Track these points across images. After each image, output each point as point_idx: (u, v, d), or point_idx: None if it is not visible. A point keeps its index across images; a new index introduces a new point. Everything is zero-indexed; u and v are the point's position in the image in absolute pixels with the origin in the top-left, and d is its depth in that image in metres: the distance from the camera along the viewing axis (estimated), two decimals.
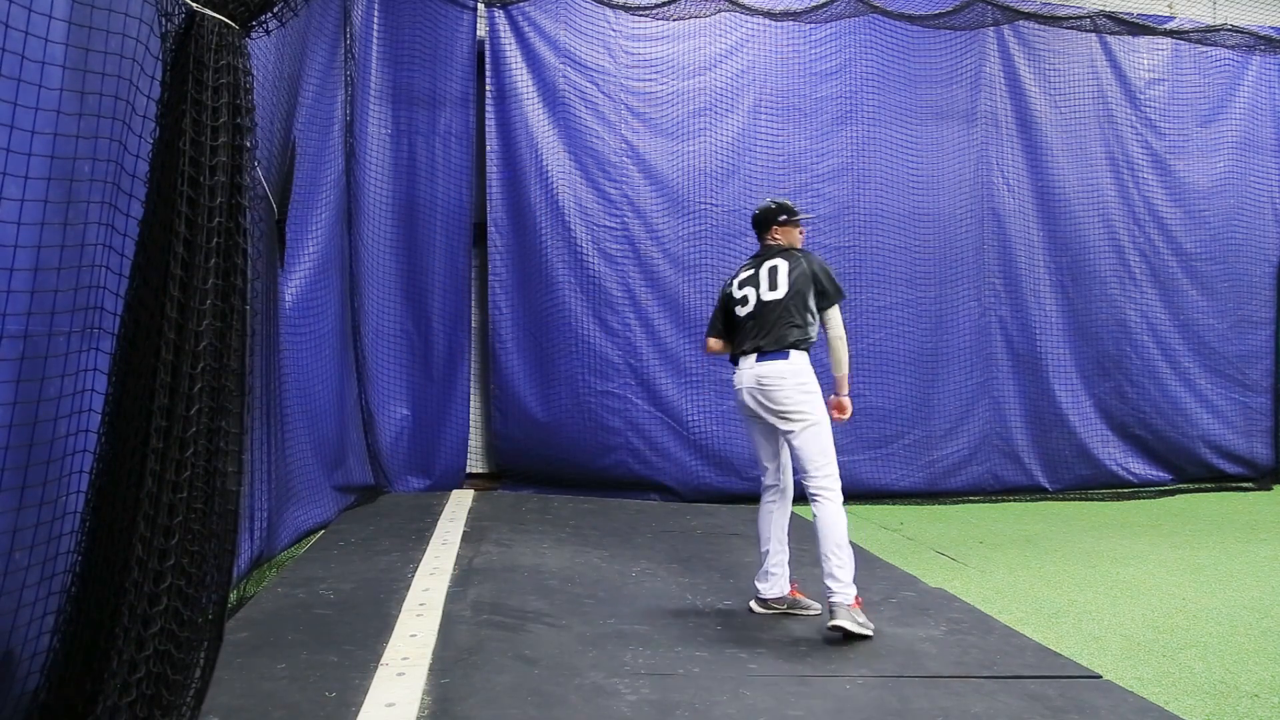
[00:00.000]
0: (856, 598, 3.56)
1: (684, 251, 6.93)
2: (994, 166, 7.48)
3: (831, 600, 3.53)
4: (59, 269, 2.18)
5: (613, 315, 6.84)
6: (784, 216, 3.99)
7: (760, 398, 3.76)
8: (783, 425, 3.72)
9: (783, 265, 3.85)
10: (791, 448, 3.75)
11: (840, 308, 3.86)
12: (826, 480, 3.65)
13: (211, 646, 2.28)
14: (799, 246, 3.99)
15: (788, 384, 3.69)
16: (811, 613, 3.83)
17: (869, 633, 3.51)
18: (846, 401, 3.90)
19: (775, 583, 3.84)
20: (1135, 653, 3.49)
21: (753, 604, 3.90)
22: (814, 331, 3.80)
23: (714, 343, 4.09)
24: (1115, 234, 7.67)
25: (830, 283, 3.83)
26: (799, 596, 3.88)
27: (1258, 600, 4.25)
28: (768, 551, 3.86)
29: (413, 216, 6.76)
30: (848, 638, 3.48)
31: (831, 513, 3.61)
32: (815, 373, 3.77)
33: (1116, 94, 7.71)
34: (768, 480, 3.94)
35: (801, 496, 3.81)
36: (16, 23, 1.98)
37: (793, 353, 3.72)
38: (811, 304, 3.80)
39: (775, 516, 3.88)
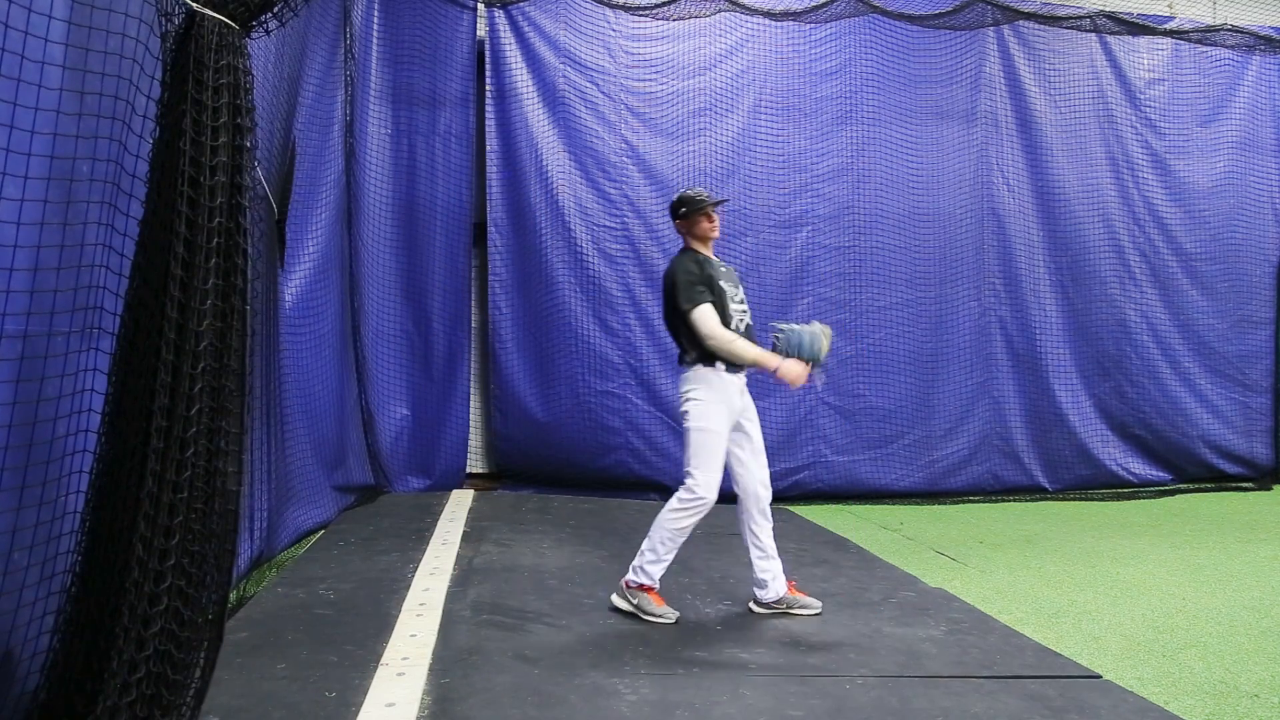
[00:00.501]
0: (645, 585, 3.74)
1: None
2: (994, 166, 7.48)
3: (625, 578, 3.81)
4: (58, 269, 2.18)
5: (613, 315, 6.83)
6: (683, 209, 3.87)
7: None
8: None
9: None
10: None
11: (697, 310, 3.64)
12: (687, 481, 3.73)
13: (211, 646, 2.28)
14: (704, 239, 3.87)
15: (681, 392, 3.81)
16: (811, 611, 3.83)
17: (645, 615, 3.70)
18: (785, 368, 3.62)
19: (771, 587, 3.84)
20: (1135, 653, 3.49)
21: (751, 605, 3.91)
22: (692, 347, 3.73)
23: None
24: (1115, 234, 7.67)
25: (675, 291, 3.70)
26: (797, 595, 3.88)
27: (1258, 600, 4.25)
28: (751, 561, 3.87)
29: (413, 216, 6.76)
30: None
31: (665, 507, 3.76)
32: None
33: (1116, 94, 7.71)
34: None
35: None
36: (16, 23, 1.98)
37: (684, 369, 3.80)
38: (677, 319, 3.76)
39: (746, 523, 3.87)
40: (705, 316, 3.64)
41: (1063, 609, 4.09)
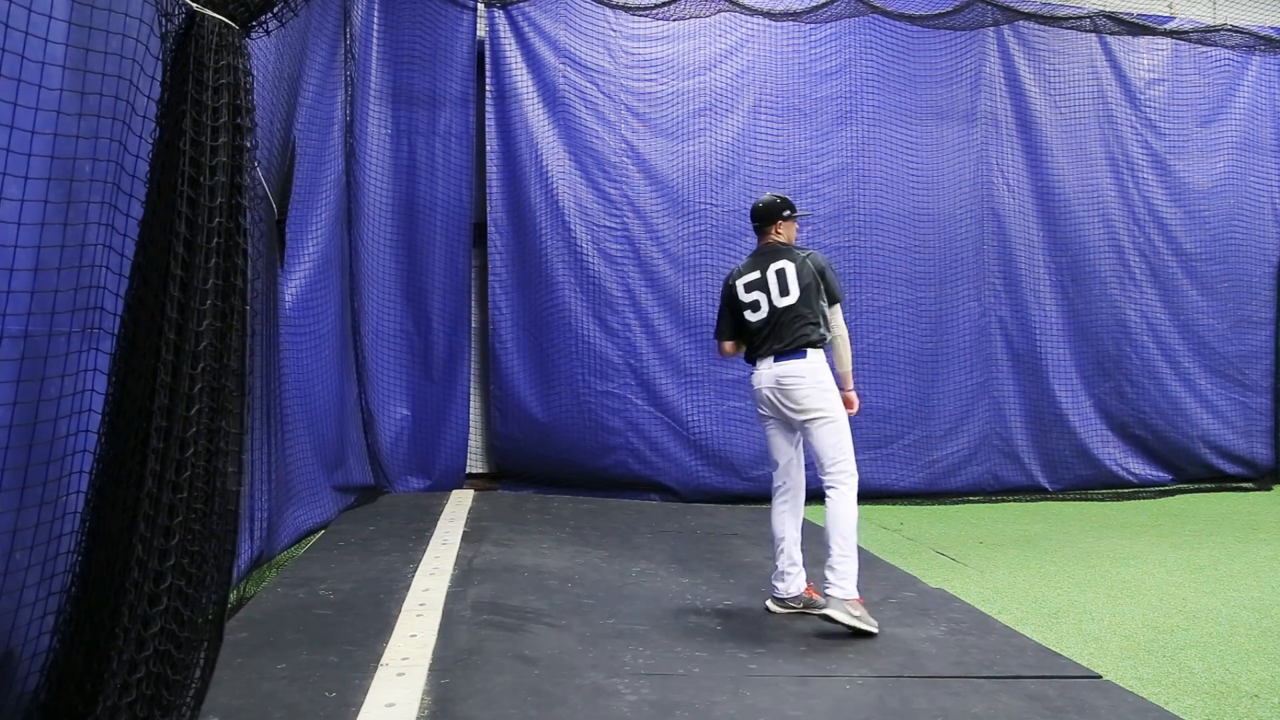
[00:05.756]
0: (858, 597, 3.59)
1: (684, 251, 6.93)
2: (994, 166, 7.48)
3: (827, 591, 3.60)
4: (59, 269, 2.18)
5: (613, 315, 6.83)
6: (788, 212, 4.07)
7: (780, 397, 3.84)
8: (802, 419, 3.80)
9: (790, 268, 3.89)
10: (810, 443, 3.83)
11: (842, 308, 3.95)
12: (841, 476, 3.74)
13: (211, 646, 2.28)
14: (795, 243, 4.09)
15: (806, 383, 3.78)
16: (819, 611, 3.82)
17: (869, 628, 3.53)
18: (853, 396, 3.96)
19: (791, 582, 3.85)
20: (1135, 653, 3.49)
21: (769, 603, 3.91)
22: (825, 331, 3.87)
23: (728, 346, 4.12)
24: (1115, 234, 7.67)
25: (833, 282, 3.95)
26: (814, 596, 3.87)
27: (1258, 600, 4.25)
28: (781, 551, 3.87)
29: (413, 216, 6.76)
30: (856, 634, 3.51)
31: (841, 505, 3.70)
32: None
33: (1116, 94, 7.71)
34: (777, 480, 3.96)
35: (814, 496, 3.86)
36: (16, 23, 1.98)
37: (809, 352, 3.80)
38: (821, 304, 3.88)
39: (787, 516, 3.90)
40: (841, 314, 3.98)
41: (1063, 609, 4.10)
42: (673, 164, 6.95)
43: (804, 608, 3.84)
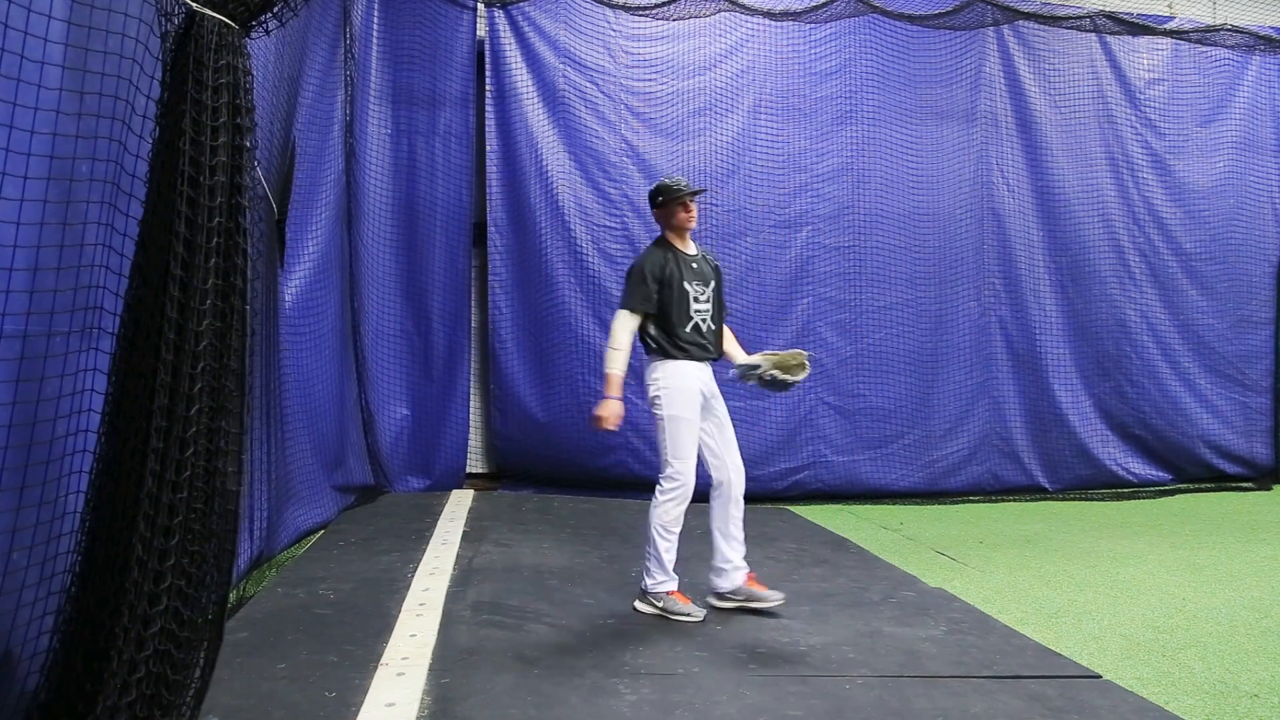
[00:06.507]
0: (673, 591, 3.75)
1: None
2: (994, 166, 7.48)
3: (641, 585, 3.80)
4: (58, 269, 2.18)
5: (612, 315, 6.82)
6: (661, 198, 3.86)
7: None
8: None
9: None
10: None
11: (626, 314, 3.79)
12: (666, 470, 3.72)
13: (211, 646, 2.28)
14: (679, 230, 3.88)
15: (648, 382, 3.85)
16: (770, 604, 3.82)
17: (680, 617, 3.68)
18: (602, 406, 3.74)
19: (728, 576, 3.82)
20: (1135, 653, 3.49)
21: (710, 598, 3.88)
22: (653, 335, 3.80)
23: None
24: (1115, 234, 7.67)
25: (624, 286, 3.85)
26: (755, 587, 3.86)
27: (1258, 600, 4.25)
28: (714, 548, 3.85)
29: (413, 216, 6.76)
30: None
31: (654, 501, 3.74)
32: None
33: (1116, 94, 7.71)
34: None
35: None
36: (16, 23, 1.98)
37: (649, 359, 3.87)
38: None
39: (714, 513, 3.85)
40: (618, 323, 3.81)
41: (1063, 609, 4.09)
42: (673, 164, 6.95)
43: (744, 600, 3.83)
